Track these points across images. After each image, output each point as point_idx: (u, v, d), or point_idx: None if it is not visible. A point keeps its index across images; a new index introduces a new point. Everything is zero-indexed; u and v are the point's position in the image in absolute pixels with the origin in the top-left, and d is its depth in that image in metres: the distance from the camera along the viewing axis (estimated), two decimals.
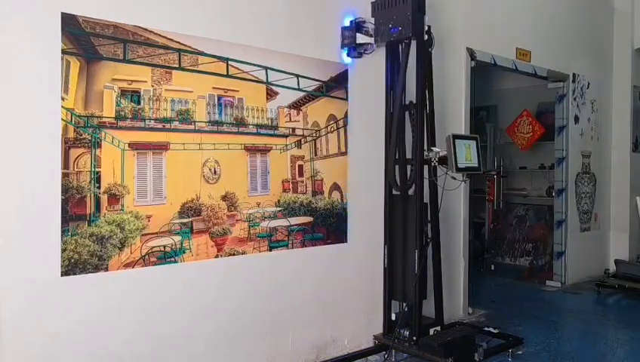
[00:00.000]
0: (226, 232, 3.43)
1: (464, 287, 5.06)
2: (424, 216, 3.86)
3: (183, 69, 3.22)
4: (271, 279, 3.64)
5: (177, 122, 3.21)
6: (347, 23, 3.94)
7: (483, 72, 6.23)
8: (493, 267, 7.34)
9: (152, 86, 3.11)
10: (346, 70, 4.01)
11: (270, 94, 3.63)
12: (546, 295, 6.16)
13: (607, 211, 7.15)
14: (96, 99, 2.89)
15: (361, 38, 3.89)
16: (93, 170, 2.88)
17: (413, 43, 3.78)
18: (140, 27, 3.04)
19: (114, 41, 2.95)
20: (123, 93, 2.99)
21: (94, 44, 2.88)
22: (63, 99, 2.77)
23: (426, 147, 3.86)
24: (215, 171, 3.37)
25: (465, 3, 5.02)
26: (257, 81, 3.55)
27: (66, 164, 2.79)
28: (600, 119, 6.96)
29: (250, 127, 3.54)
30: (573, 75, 6.47)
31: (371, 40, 3.89)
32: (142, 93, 3.07)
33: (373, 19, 3.89)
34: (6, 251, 2.62)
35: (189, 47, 3.23)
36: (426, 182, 3.89)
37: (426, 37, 3.86)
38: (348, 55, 3.98)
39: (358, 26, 3.89)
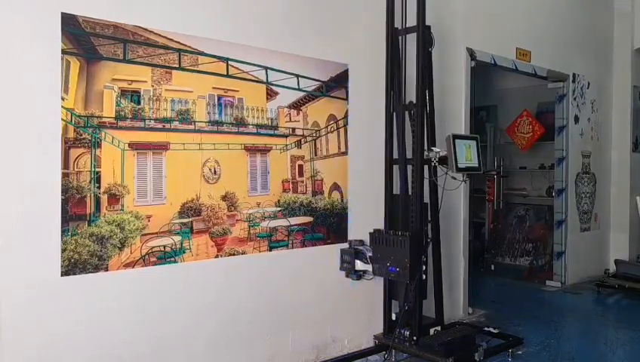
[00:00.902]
0: (226, 232, 3.43)
1: (464, 287, 5.06)
2: (424, 215, 3.86)
3: (183, 69, 3.22)
4: (271, 279, 3.64)
5: (177, 122, 3.21)
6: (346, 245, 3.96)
7: (483, 72, 6.23)
8: (493, 267, 7.34)
9: (152, 86, 3.11)
10: (346, 70, 4.01)
11: (270, 94, 3.63)
12: (546, 295, 6.16)
13: (607, 211, 7.15)
14: (96, 99, 2.89)
15: (360, 265, 3.87)
16: (93, 170, 2.88)
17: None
18: (140, 27, 3.04)
19: (114, 41, 2.95)
20: (123, 93, 2.99)
21: (94, 44, 2.88)
22: (63, 99, 2.77)
23: (426, 147, 3.86)
24: (215, 171, 3.37)
25: (465, 3, 5.02)
26: (257, 81, 3.55)
27: (66, 164, 2.79)
28: (600, 119, 6.95)
29: (250, 127, 3.54)
30: (573, 75, 6.46)
31: (369, 268, 3.83)
32: (142, 93, 3.07)
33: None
34: (6, 251, 2.62)
35: (189, 47, 3.23)
36: (426, 182, 3.89)
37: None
38: (346, 276, 3.94)
39: (356, 252, 3.87)
